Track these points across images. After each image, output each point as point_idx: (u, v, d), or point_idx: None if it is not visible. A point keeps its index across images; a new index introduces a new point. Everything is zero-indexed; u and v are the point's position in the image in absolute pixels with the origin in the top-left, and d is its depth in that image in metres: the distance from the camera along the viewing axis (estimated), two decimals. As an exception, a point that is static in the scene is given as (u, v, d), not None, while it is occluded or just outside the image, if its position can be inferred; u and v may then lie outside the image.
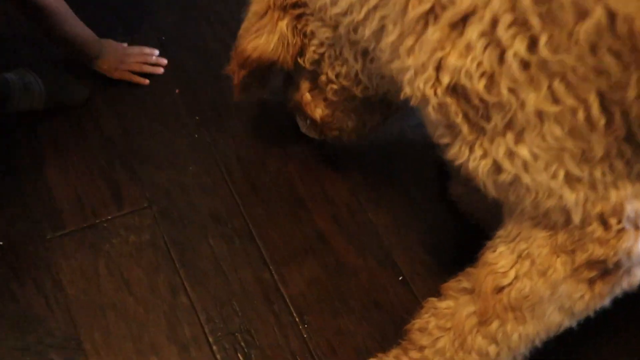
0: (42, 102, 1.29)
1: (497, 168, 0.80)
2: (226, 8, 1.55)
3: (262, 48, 1.06)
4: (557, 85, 0.69)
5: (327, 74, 1.08)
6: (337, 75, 1.07)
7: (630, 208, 0.79)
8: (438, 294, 1.17)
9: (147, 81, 1.41)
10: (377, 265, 1.25)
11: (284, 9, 1.03)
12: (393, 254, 1.27)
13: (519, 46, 0.68)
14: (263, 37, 1.06)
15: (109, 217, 1.25)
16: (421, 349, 1.03)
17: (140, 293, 1.18)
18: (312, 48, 1.06)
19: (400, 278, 1.25)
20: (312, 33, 1.03)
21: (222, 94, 1.42)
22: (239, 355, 1.13)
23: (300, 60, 1.09)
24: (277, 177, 1.33)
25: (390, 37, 0.82)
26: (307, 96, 1.18)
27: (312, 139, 1.35)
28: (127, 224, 1.25)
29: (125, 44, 1.42)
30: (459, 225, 1.31)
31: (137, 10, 1.52)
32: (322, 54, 1.06)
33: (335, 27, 0.97)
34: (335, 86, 1.10)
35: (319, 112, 1.19)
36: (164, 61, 1.43)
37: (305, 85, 1.17)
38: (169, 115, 1.38)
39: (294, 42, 1.06)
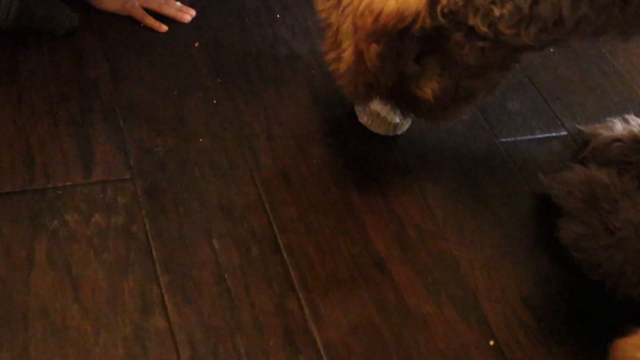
0: (9, 19, 0.89)
1: None
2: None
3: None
4: None
5: (473, 26, 0.70)
6: (491, 24, 0.69)
7: None
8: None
9: (164, 27, 1.01)
10: (457, 317, 0.81)
11: None
12: (481, 305, 0.83)
13: None
14: None
15: (68, 184, 0.81)
16: None
17: (93, 302, 0.72)
18: None
19: (491, 343, 0.80)
20: None
21: (254, 54, 1.02)
22: None
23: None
24: (322, 173, 0.90)
25: None
26: (415, 67, 0.78)
27: (375, 134, 0.96)
28: (93, 197, 0.80)
29: None
30: (573, 280, 0.89)
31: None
32: None
33: None
34: (482, 44, 0.71)
35: (430, 87, 0.79)
36: (193, 12, 1.05)
37: (411, 52, 0.77)
38: (182, 71, 0.96)
39: None
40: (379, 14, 0.68)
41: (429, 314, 0.80)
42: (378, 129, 0.96)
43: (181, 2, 1.04)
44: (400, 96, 0.84)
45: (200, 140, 0.89)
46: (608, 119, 1.05)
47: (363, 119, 0.96)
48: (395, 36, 0.70)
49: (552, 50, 0.80)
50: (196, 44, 1.00)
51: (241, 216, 0.83)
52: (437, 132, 0.98)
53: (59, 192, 0.79)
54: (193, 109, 0.92)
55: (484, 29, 0.69)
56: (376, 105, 0.93)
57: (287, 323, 0.75)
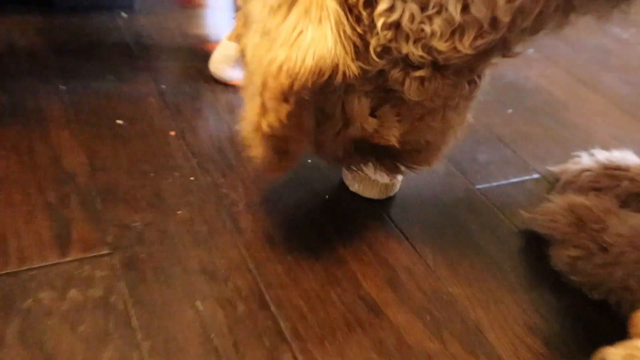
0: None
1: None
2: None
3: (320, 48, 0.58)
4: None
5: (407, 55, 0.62)
6: (425, 45, 0.61)
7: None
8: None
9: None
10: (462, 351, 0.70)
11: None
12: (486, 338, 0.72)
13: None
14: (309, 32, 0.58)
15: (43, 264, 0.72)
16: None
17: (69, 374, 0.62)
18: (380, 21, 0.60)
19: (503, 372, 0.69)
20: None
21: (228, 136, 0.96)
22: None
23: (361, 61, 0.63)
24: (305, 230, 0.82)
25: None
26: (372, 121, 0.70)
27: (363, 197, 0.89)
28: (69, 275, 0.71)
29: None
30: (576, 302, 0.79)
31: (132, 60, 1.13)
32: (397, 24, 0.60)
33: None
34: (420, 73, 0.64)
35: (392, 135, 0.71)
36: None
37: (363, 105, 0.69)
38: (159, 156, 0.90)
39: (352, 28, 0.61)
40: (297, 73, 0.58)
41: (433, 351, 0.69)
42: (371, 194, 0.88)
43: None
44: (372, 152, 0.79)
45: (179, 212, 0.81)
46: (574, 153, 1.00)
47: (354, 187, 0.89)
48: (308, 91, 0.60)
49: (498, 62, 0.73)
50: (172, 133, 0.95)
51: (224, 277, 0.73)
52: (415, 184, 0.91)
53: (34, 272, 0.70)
54: (170, 186, 0.85)
55: (418, 52, 0.61)
56: (365, 170, 0.86)
57: (282, 376, 0.64)
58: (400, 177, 0.89)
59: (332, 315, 0.71)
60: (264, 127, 0.64)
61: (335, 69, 0.60)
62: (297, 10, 0.59)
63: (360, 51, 0.62)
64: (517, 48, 0.67)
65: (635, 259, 0.75)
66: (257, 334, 0.67)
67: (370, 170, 0.86)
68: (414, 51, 0.62)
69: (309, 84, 0.59)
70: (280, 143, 0.66)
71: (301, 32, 0.59)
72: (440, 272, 0.79)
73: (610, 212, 0.83)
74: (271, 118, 0.62)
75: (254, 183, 0.88)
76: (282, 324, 0.69)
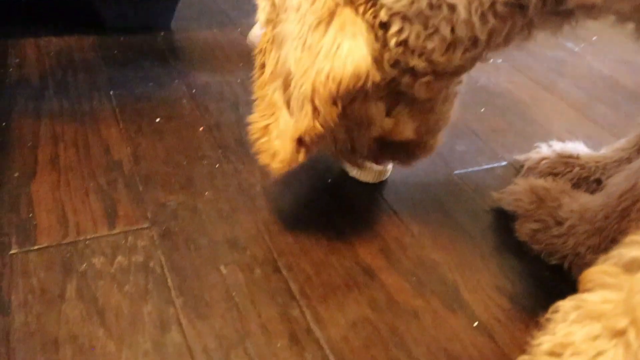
0: None
1: None
2: (251, 69, 1.15)
3: (356, 57, 0.58)
4: None
5: (414, 66, 0.62)
6: (427, 58, 0.61)
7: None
8: (527, 345, 0.64)
9: None
10: (442, 307, 0.69)
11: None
12: (462, 295, 0.71)
13: None
14: (346, 45, 0.58)
15: (95, 236, 0.72)
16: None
17: (116, 325, 0.61)
18: (393, 40, 0.59)
19: (475, 324, 0.68)
20: (390, 15, 0.58)
21: (248, 131, 0.96)
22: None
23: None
24: (310, 207, 0.81)
25: None
26: (388, 121, 0.69)
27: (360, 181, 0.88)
28: (116, 244, 0.71)
29: None
30: (536, 267, 0.77)
31: (168, 70, 1.12)
32: (405, 42, 0.60)
33: None
34: (426, 78, 0.63)
35: (410, 128, 0.70)
36: None
37: (379, 108, 0.68)
38: (190, 148, 0.89)
39: (374, 42, 0.61)
40: (341, 80, 0.58)
41: (418, 307, 0.68)
42: (367, 178, 0.86)
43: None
44: (390, 148, 0.76)
45: (206, 193, 0.80)
46: (536, 145, 0.98)
47: (353, 173, 0.87)
48: (352, 96, 0.61)
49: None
50: (201, 128, 0.94)
51: (244, 246, 0.73)
52: (404, 170, 0.90)
53: (88, 242, 0.70)
54: (199, 172, 0.84)
55: (422, 64, 0.61)
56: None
57: (292, 327, 0.63)
58: (390, 165, 0.87)
59: (333, 278, 0.70)
60: (317, 127, 0.62)
61: (368, 75, 0.60)
62: (334, 27, 0.59)
63: (377, 63, 0.62)
64: (490, 57, 0.67)
65: (584, 230, 0.74)
66: (271, 293, 0.67)
67: (357, 168, 0.85)
68: (419, 63, 0.62)
69: (351, 88, 0.59)
70: (311, 142, 0.65)
71: (339, 45, 0.59)
72: (424, 242, 0.78)
73: (564, 192, 0.81)
74: (323, 120, 0.62)
75: (268, 170, 0.87)
76: (292, 285, 0.68)
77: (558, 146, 0.96)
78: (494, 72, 1.33)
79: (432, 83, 0.65)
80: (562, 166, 0.91)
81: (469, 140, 1.03)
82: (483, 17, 0.57)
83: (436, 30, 0.58)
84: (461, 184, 0.91)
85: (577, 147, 0.95)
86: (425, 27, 0.58)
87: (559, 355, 0.46)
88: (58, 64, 1.09)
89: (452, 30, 0.58)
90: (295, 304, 0.66)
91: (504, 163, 0.98)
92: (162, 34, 1.26)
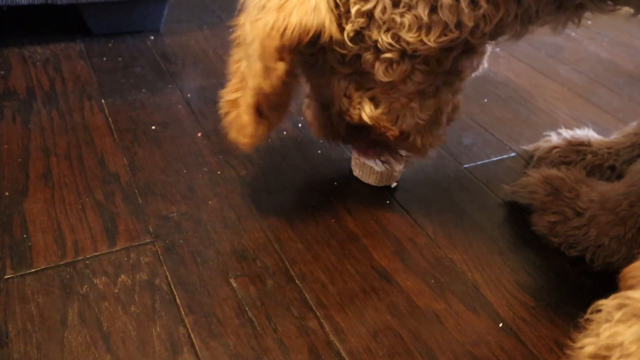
0: None
1: None
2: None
3: (303, 8, 0.55)
4: None
5: (378, 41, 0.57)
6: (394, 34, 0.56)
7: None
8: (555, 344, 0.61)
9: None
10: (465, 309, 0.66)
11: None
12: (483, 295, 0.68)
13: None
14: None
15: (95, 254, 0.67)
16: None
17: (124, 350, 0.57)
18: (355, 8, 0.55)
19: (500, 325, 0.65)
20: None
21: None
22: None
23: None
24: (320, 211, 0.77)
25: None
26: (345, 100, 0.65)
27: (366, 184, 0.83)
28: (118, 262, 0.67)
29: None
30: (556, 260, 0.74)
31: (161, 74, 1.06)
32: (370, 13, 0.56)
33: None
34: (388, 55, 0.58)
35: (366, 113, 0.65)
36: None
37: (341, 86, 0.64)
38: (189, 155, 0.85)
39: (333, 7, 0.57)
40: (284, 30, 0.55)
41: (439, 310, 0.64)
42: (369, 180, 0.82)
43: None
44: (361, 136, 0.71)
45: (210, 202, 0.76)
46: (545, 133, 0.95)
47: (356, 172, 0.83)
48: (301, 51, 0.57)
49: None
50: (199, 134, 0.90)
51: (253, 257, 0.69)
52: (412, 167, 0.86)
53: (88, 262, 0.66)
54: (201, 181, 0.80)
55: (387, 40, 0.57)
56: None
57: (310, 340, 0.59)
58: (398, 169, 0.82)
59: (349, 285, 0.66)
60: (266, 87, 0.58)
61: (320, 29, 0.56)
62: None
63: (338, 27, 0.58)
64: (480, 49, 0.63)
65: (607, 220, 0.71)
66: (285, 305, 0.63)
67: (360, 168, 0.82)
68: (384, 38, 0.57)
69: (297, 41, 0.55)
70: (267, 109, 0.62)
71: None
72: (439, 242, 0.74)
73: (580, 181, 0.78)
74: (271, 79, 0.58)
75: (272, 173, 0.83)
76: (307, 295, 0.64)
77: (568, 134, 0.92)
78: (493, 61, 1.30)
79: (395, 64, 0.59)
80: (574, 154, 0.88)
81: (475, 132, 1.00)
82: (474, 1, 0.54)
83: (410, 8, 0.54)
84: (472, 178, 0.88)
85: (588, 134, 0.92)
86: (397, 3, 0.55)
87: (605, 358, 0.43)
88: (45, 74, 1.04)
89: (433, 10, 0.54)
90: (312, 315, 0.62)
91: (512, 154, 0.95)
92: (151, 37, 1.21)
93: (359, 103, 0.65)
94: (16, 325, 0.58)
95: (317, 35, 0.56)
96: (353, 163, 0.84)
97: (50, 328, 0.58)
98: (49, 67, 1.06)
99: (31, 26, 1.21)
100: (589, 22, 1.62)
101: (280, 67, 0.57)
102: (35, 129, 0.88)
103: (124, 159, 0.83)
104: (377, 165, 0.81)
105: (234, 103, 0.67)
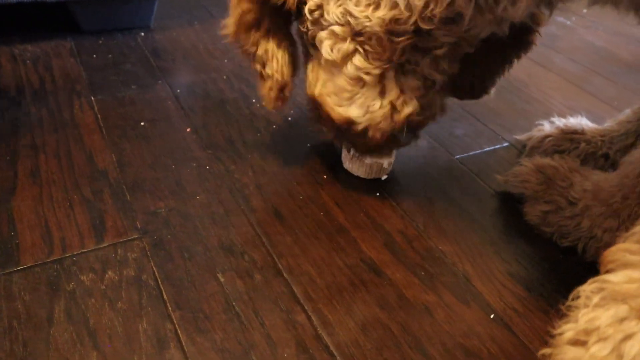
0: None
1: None
2: (236, 64, 1.09)
3: None
4: None
5: (329, 13, 0.59)
6: (344, 10, 0.58)
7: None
8: (547, 335, 0.60)
9: None
10: (455, 301, 0.65)
11: None
12: (474, 286, 0.67)
13: None
14: None
15: (83, 251, 0.67)
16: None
17: (111, 346, 0.57)
18: None
19: (492, 316, 0.64)
20: None
21: (237, 129, 0.91)
22: None
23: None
24: (309, 205, 0.77)
25: None
26: (310, 78, 0.69)
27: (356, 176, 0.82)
28: (106, 258, 0.66)
29: None
30: (548, 251, 0.74)
31: (150, 70, 1.06)
32: None
33: None
34: (336, 29, 0.60)
35: (312, 87, 0.68)
36: None
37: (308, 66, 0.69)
38: (177, 150, 0.85)
39: None
40: None
41: (429, 302, 0.64)
42: (358, 172, 0.81)
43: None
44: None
45: (198, 197, 0.76)
46: (537, 122, 0.94)
47: (346, 165, 0.82)
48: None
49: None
50: (188, 130, 0.89)
51: (241, 251, 0.68)
52: (402, 158, 0.86)
53: (75, 258, 0.65)
54: (189, 176, 0.79)
55: (336, 11, 0.58)
56: (353, 149, 0.80)
57: (298, 334, 0.59)
58: (387, 162, 0.80)
59: (338, 278, 0.66)
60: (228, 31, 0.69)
61: None
62: None
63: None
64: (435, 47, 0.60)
65: (600, 212, 0.70)
66: (273, 299, 0.62)
67: (350, 158, 0.81)
68: (334, 10, 0.58)
69: None
70: (252, 61, 0.70)
71: None
72: (430, 233, 0.73)
73: (574, 170, 0.77)
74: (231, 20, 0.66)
75: (260, 167, 0.83)
76: (295, 289, 0.64)
77: (561, 122, 0.91)
78: (487, 51, 1.29)
79: (340, 44, 0.60)
80: (567, 143, 0.87)
81: (467, 123, 0.99)
82: None
83: None
84: (463, 168, 0.87)
85: (581, 122, 0.91)
86: None
87: (583, 343, 0.42)
88: (35, 72, 1.03)
89: None
90: (300, 309, 0.61)
91: (505, 144, 0.94)
92: (141, 33, 1.20)
93: (311, 75, 0.68)
94: (2, 323, 0.57)
95: None
96: (343, 155, 0.83)
97: (36, 325, 0.57)
98: (39, 65, 1.05)
99: (21, 24, 1.20)
100: (584, 11, 1.61)
101: (236, 12, 0.66)
102: (24, 127, 0.88)
103: (113, 155, 0.83)
104: (368, 159, 0.80)
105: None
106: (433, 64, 0.61)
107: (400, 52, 0.59)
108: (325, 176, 0.82)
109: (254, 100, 0.99)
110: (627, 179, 0.67)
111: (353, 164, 0.81)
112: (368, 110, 0.65)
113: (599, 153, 0.85)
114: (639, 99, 1.10)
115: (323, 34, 0.61)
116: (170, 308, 0.60)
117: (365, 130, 0.67)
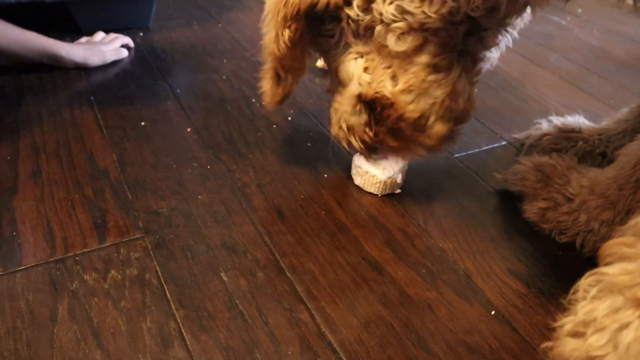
0: None
1: None
2: (235, 64, 1.11)
3: None
4: None
5: (382, 13, 0.58)
6: (398, 7, 0.57)
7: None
8: (547, 330, 0.61)
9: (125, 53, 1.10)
10: (457, 298, 0.65)
11: None
12: (475, 283, 0.68)
13: None
14: None
15: (85, 250, 0.67)
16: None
17: (114, 345, 0.56)
18: None
19: (492, 312, 0.64)
20: None
21: (237, 129, 0.91)
22: None
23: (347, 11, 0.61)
24: (310, 204, 0.77)
25: None
26: (365, 76, 0.65)
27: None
28: (108, 258, 0.66)
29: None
30: (547, 247, 0.74)
31: (150, 70, 1.06)
32: None
33: None
34: (400, 25, 0.59)
35: (387, 86, 0.64)
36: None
37: (358, 65, 0.65)
38: (178, 150, 0.85)
39: None
40: (286, 1, 0.61)
41: (431, 300, 0.64)
42: (372, 189, 0.78)
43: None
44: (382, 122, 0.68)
45: (200, 197, 0.76)
46: (535, 121, 0.95)
47: (357, 181, 0.80)
48: (307, 14, 0.62)
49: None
50: (188, 129, 0.89)
51: (244, 250, 0.68)
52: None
53: (77, 258, 0.65)
54: (190, 175, 0.79)
55: (391, 10, 0.58)
56: (364, 165, 0.78)
57: (301, 332, 0.59)
58: (400, 177, 0.79)
59: (340, 276, 0.66)
60: (276, 50, 0.65)
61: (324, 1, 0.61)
62: None
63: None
64: (489, 28, 0.62)
65: (597, 205, 0.70)
66: (276, 297, 0.62)
67: (371, 166, 0.78)
68: (388, 9, 0.58)
69: (297, 10, 0.61)
70: (282, 69, 0.68)
71: None
72: (430, 231, 0.74)
73: (571, 168, 0.78)
74: (281, 44, 0.64)
75: (261, 167, 0.83)
76: (298, 287, 0.64)
77: (558, 121, 0.92)
78: (483, 50, 1.29)
79: (407, 34, 0.60)
80: (565, 141, 0.87)
81: (465, 121, 0.99)
82: None
83: None
84: (462, 167, 0.87)
85: (578, 121, 0.91)
86: None
87: (582, 334, 0.43)
88: (34, 73, 1.03)
89: None
90: (303, 307, 0.61)
91: (503, 142, 0.95)
92: (140, 33, 1.20)
93: (381, 81, 0.65)
94: (6, 322, 0.57)
95: (319, 3, 0.61)
96: (354, 172, 0.80)
97: (40, 325, 0.57)
98: (38, 66, 1.05)
99: (20, 25, 1.20)
100: (579, 11, 1.62)
101: (287, 34, 0.63)
102: (25, 128, 0.87)
103: (114, 155, 0.82)
104: (382, 174, 0.77)
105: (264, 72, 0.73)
106: (480, 44, 0.64)
107: (462, 38, 0.61)
108: (326, 175, 0.82)
109: (254, 100, 0.99)
110: (622, 170, 0.68)
111: (366, 180, 0.79)
112: (436, 102, 0.64)
113: (596, 151, 0.86)
114: (634, 97, 1.11)
115: (381, 28, 0.60)
116: (173, 307, 0.60)
117: (424, 126, 0.66)
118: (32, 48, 0.99)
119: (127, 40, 1.13)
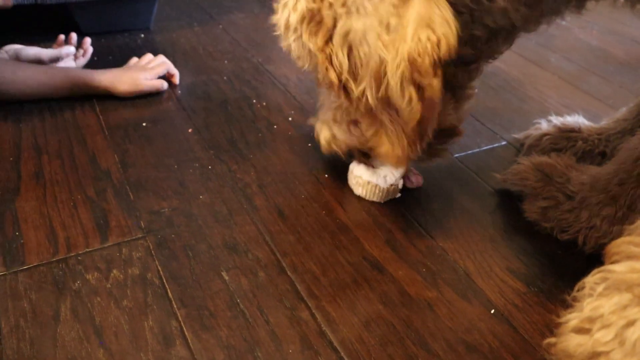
0: None
1: None
2: (236, 65, 1.11)
3: (447, 20, 0.52)
4: None
5: (462, 55, 0.59)
6: (475, 46, 0.62)
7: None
8: (547, 328, 0.61)
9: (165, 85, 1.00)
10: (457, 297, 0.65)
11: None
12: (475, 282, 0.68)
13: None
14: (436, 11, 0.51)
15: (87, 250, 0.67)
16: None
17: (117, 344, 0.57)
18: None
19: (492, 311, 0.65)
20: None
21: (239, 130, 0.91)
22: None
23: None
24: (311, 204, 0.77)
25: None
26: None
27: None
28: (110, 257, 0.66)
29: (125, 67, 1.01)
30: (548, 246, 0.74)
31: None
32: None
33: None
34: (475, 65, 0.67)
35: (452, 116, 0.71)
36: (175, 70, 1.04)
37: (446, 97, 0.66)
38: (180, 151, 0.85)
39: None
40: (439, 41, 0.51)
41: (431, 299, 0.64)
42: (374, 198, 0.77)
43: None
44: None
45: (201, 197, 0.76)
46: (535, 121, 0.95)
47: (358, 191, 0.78)
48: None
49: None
50: (190, 130, 0.90)
51: (245, 250, 0.69)
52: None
53: (80, 258, 0.65)
54: (192, 176, 0.80)
55: (470, 52, 0.62)
56: (365, 175, 0.77)
57: (302, 331, 0.59)
58: (401, 182, 0.78)
59: (341, 275, 0.66)
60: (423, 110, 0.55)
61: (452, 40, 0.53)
62: (417, 1, 0.52)
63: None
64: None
65: (598, 201, 0.70)
66: (277, 296, 0.63)
67: (373, 176, 0.76)
68: (466, 51, 0.61)
69: (446, 53, 0.51)
70: (423, 128, 0.59)
71: (431, 12, 0.51)
72: (431, 231, 0.74)
73: (571, 166, 0.78)
74: (428, 97, 0.54)
75: (262, 167, 0.83)
76: (299, 287, 0.64)
77: (558, 121, 0.92)
78: (483, 51, 1.30)
79: (476, 70, 0.66)
80: (565, 141, 0.88)
81: (465, 122, 0.97)
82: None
83: (481, 20, 0.59)
84: (463, 167, 0.87)
85: (578, 121, 0.91)
86: (472, 18, 0.58)
87: (587, 331, 0.43)
88: (36, 74, 1.03)
89: (493, 19, 0.59)
90: (304, 306, 0.62)
91: (503, 143, 0.95)
92: (142, 35, 1.20)
93: (447, 109, 0.69)
94: (9, 321, 0.57)
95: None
96: (354, 182, 0.79)
97: (42, 324, 0.57)
98: (40, 67, 1.05)
99: (21, 27, 1.20)
100: (580, 11, 1.62)
101: (436, 83, 0.53)
102: (27, 129, 0.88)
103: (115, 155, 0.83)
104: (384, 182, 0.76)
105: (376, 134, 0.66)
106: (466, 77, 0.69)
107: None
108: (326, 175, 0.83)
109: (254, 101, 0.99)
110: (624, 164, 0.68)
111: (367, 190, 0.77)
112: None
113: (595, 151, 0.86)
114: (633, 97, 1.11)
115: (454, 70, 0.63)
116: (175, 306, 0.61)
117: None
118: (64, 87, 0.93)
119: (173, 70, 1.02)
